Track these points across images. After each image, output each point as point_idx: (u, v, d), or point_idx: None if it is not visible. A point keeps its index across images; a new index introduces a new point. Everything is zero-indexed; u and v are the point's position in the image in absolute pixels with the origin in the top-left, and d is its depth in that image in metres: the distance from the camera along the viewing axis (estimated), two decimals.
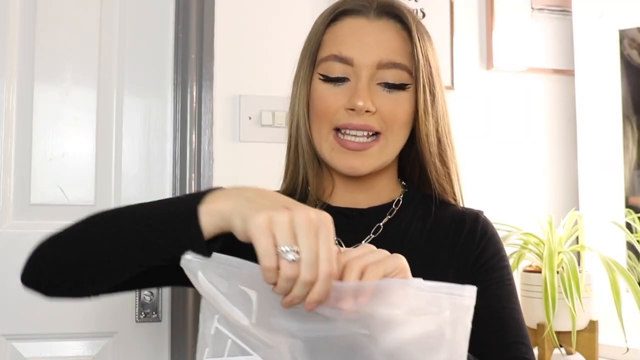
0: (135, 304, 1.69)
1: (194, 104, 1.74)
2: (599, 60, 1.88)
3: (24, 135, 1.67)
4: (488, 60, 1.98)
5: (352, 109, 0.90)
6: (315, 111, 0.93)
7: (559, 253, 1.62)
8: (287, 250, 0.63)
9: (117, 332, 1.70)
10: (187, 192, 1.71)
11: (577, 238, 1.69)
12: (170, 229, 0.72)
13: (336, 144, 0.92)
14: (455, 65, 1.93)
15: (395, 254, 0.71)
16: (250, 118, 1.75)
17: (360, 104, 0.89)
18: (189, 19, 1.75)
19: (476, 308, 0.68)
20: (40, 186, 1.67)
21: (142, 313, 1.69)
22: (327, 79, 0.93)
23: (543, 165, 2.00)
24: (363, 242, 0.95)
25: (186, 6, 1.76)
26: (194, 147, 1.73)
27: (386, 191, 1.00)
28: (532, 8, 2.01)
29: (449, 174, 0.99)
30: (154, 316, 1.70)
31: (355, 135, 0.91)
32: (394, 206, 0.98)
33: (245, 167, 1.75)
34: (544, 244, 1.64)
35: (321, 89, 0.93)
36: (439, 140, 0.97)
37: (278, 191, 1.01)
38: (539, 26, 2.01)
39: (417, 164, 1.01)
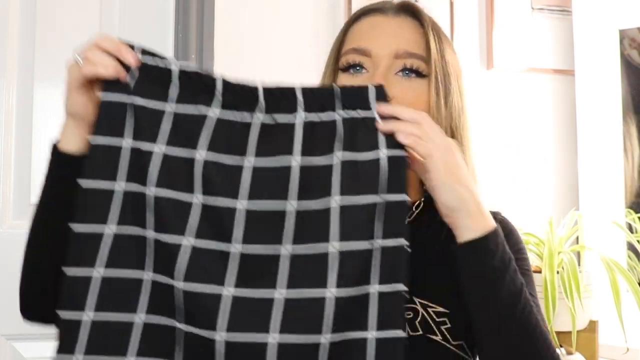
0: None
1: None
2: (599, 60, 1.88)
3: (24, 135, 1.67)
4: (488, 60, 1.98)
5: None
6: None
7: (559, 253, 1.62)
8: None
9: None
10: None
11: (577, 238, 1.69)
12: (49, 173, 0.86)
13: None
14: None
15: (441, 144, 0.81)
16: None
17: None
18: (189, 19, 1.75)
19: None
20: (40, 186, 1.67)
21: None
22: (345, 69, 0.96)
23: (543, 165, 2.00)
24: None
25: (186, 6, 1.76)
26: None
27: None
28: (532, 8, 2.01)
29: None
30: None
31: None
32: (414, 209, 0.98)
33: None
34: (544, 244, 1.64)
35: (341, 80, 0.96)
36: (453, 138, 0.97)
37: None
38: (539, 26, 2.01)
39: None
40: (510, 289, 0.79)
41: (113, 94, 0.79)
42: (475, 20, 1.98)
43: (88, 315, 0.76)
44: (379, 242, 0.76)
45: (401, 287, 0.74)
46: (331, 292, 0.74)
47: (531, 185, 1.98)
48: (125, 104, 0.79)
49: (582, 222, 1.68)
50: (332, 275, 0.74)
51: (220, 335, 0.72)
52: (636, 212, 1.80)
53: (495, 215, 0.99)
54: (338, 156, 0.78)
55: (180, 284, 0.74)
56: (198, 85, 0.80)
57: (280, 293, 0.75)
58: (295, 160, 0.78)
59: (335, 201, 0.76)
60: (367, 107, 0.80)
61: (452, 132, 0.96)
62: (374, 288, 0.74)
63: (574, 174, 1.92)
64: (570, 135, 1.98)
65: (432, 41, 0.95)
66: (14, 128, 1.67)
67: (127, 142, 0.78)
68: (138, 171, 0.78)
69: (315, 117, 0.80)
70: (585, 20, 1.89)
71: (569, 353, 1.70)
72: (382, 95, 0.81)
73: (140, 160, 0.78)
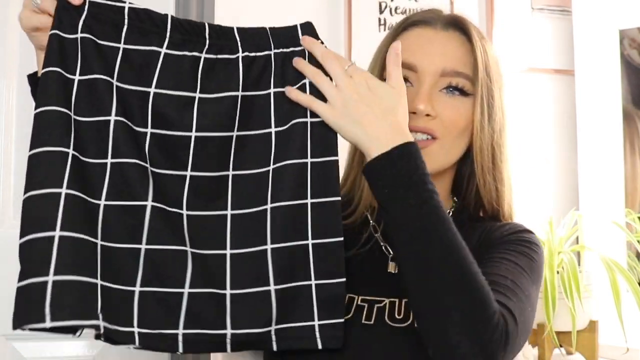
0: None
1: None
2: (599, 60, 1.88)
3: (23, 135, 1.67)
4: None
5: (414, 112, 0.91)
6: None
7: (559, 253, 1.62)
8: None
9: None
10: None
11: (577, 238, 1.69)
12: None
13: None
14: None
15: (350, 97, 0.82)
16: None
17: (420, 107, 0.91)
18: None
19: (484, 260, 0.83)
20: None
21: None
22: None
23: (543, 165, 2.00)
24: None
25: (186, 6, 1.76)
26: None
27: None
28: (532, 8, 2.01)
29: (500, 191, 0.98)
30: None
31: (415, 139, 0.91)
32: None
33: None
34: (544, 244, 1.64)
35: None
36: (493, 156, 0.97)
37: None
38: (539, 26, 2.01)
39: (472, 182, 1.00)
40: (408, 208, 0.78)
41: (60, 31, 0.82)
42: (475, 20, 1.97)
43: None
44: (311, 160, 0.85)
45: (334, 198, 0.84)
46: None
47: (531, 185, 1.98)
48: (74, 40, 0.82)
49: (582, 222, 1.68)
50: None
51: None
52: (636, 212, 1.80)
53: (507, 224, 0.99)
54: (272, 89, 0.86)
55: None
56: (147, 24, 0.85)
57: (228, 210, 0.85)
58: (238, 94, 0.85)
59: (273, 130, 0.86)
60: (297, 43, 0.88)
61: (493, 149, 0.96)
62: (308, 199, 0.84)
63: (574, 174, 1.92)
64: (570, 135, 1.98)
65: (479, 60, 0.95)
66: (14, 128, 1.67)
67: (76, 76, 0.82)
68: (92, 101, 0.81)
69: (252, 56, 0.87)
70: (585, 20, 1.89)
71: (569, 353, 1.70)
72: (309, 30, 0.89)
73: (92, 92, 0.81)
